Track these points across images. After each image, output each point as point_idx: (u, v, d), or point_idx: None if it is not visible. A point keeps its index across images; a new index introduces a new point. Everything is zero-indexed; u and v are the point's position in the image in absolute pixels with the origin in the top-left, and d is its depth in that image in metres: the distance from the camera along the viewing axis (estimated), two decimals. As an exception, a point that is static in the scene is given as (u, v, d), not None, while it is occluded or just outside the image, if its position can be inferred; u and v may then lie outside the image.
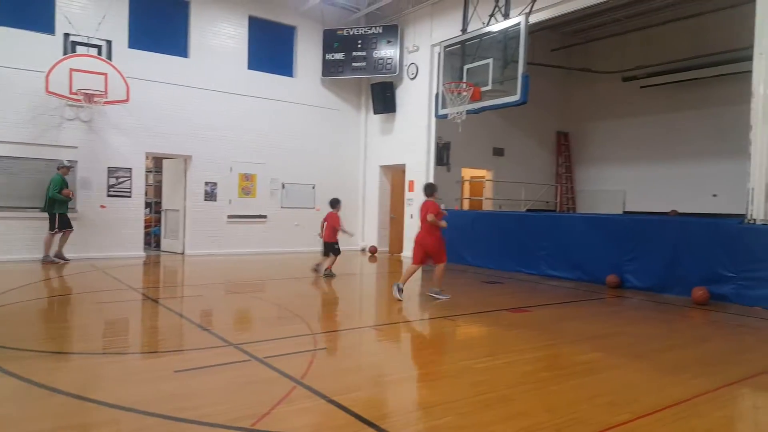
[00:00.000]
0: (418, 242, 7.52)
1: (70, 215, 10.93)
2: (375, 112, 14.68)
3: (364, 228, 15.20)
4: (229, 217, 13.24)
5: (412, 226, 13.34)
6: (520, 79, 10.09)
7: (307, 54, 14.37)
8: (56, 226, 10.62)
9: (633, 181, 15.60)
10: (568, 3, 10.38)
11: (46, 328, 5.91)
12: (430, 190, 7.73)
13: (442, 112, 12.29)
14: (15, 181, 10.76)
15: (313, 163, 14.40)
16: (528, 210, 14.62)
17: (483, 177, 15.51)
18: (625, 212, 15.28)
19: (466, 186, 15.41)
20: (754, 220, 7.66)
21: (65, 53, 10.89)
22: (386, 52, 14.04)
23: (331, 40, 14.36)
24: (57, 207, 10.58)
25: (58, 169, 10.69)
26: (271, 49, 13.98)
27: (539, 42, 14.48)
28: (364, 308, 7.94)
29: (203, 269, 11.03)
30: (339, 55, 14.35)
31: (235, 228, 13.32)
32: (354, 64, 14.30)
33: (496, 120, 14.39)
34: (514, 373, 4.39)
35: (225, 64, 13.13)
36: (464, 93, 11.40)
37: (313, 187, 14.43)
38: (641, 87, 15.11)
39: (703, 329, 6.49)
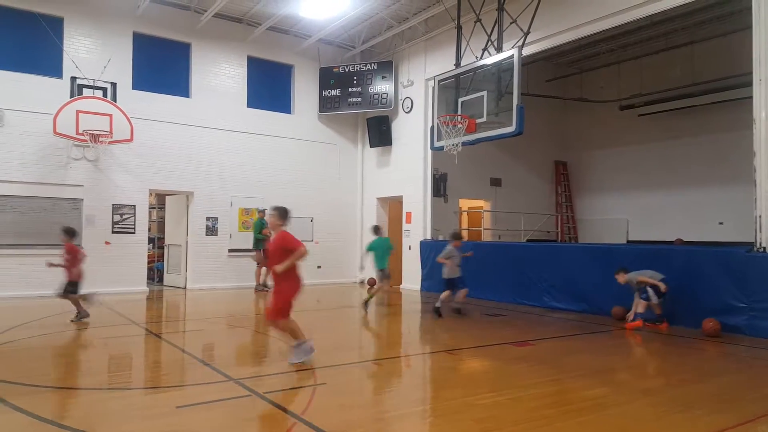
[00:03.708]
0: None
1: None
2: (371, 146, 15.00)
3: (362, 260, 15.30)
4: (230, 251, 13.42)
5: (410, 258, 13.52)
6: (515, 111, 10.16)
7: (304, 91, 14.77)
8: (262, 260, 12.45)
9: (635, 210, 15.56)
10: (559, 35, 10.65)
11: (53, 364, 6.02)
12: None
13: (437, 144, 12.49)
14: (22, 219, 10.97)
15: (312, 196, 14.64)
16: (528, 240, 14.74)
17: (481, 207, 15.71)
18: (629, 242, 15.17)
19: (464, 217, 15.59)
20: (764, 248, 7.41)
21: (72, 96, 11.27)
22: (381, 87, 14.43)
23: (328, 77, 14.79)
24: (261, 245, 12.40)
25: (258, 213, 12.90)
26: (269, 87, 14.39)
27: (534, 73, 14.89)
28: (364, 342, 8.01)
29: (205, 303, 11.14)
30: (335, 92, 14.75)
31: (236, 262, 13.47)
32: (350, 99, 14.69)
33: (493, 151, 14.67)
34: (519, 409, 4.31)
35: (225, 102, 13.53)
36: (459, 125, 11.66)
37: (311, 220, 14.63)
38: (639, 115, 15.31)
39: (716, 363, 6.31)
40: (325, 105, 14.85)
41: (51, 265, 8.07)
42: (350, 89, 14.66)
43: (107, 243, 11.84)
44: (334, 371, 5.57)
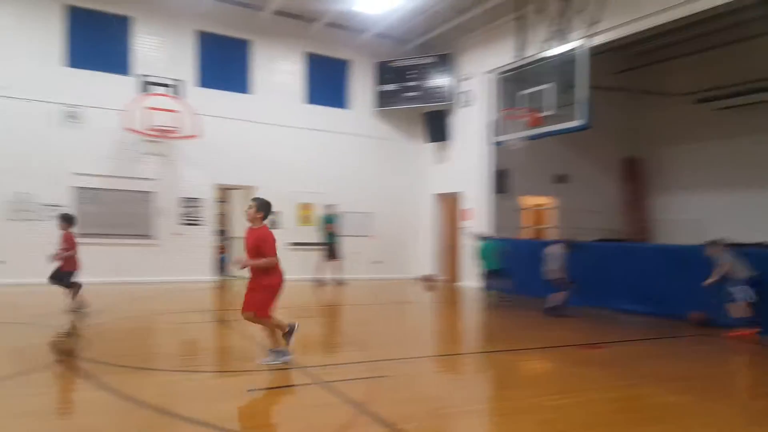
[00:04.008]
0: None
1: (145, 242, 11.92)
2: (429, 141, 14.86)
3: (419, 256, 15.25)
4: (290, 244, 13.65)
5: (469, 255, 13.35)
6: (581, 104, 9.88)
7: (361, 86, 14.81)
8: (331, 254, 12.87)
9: (714, 210, 14.25)
10: (630, 25, 9.98)
11: (132, 346, 6.27)
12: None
13: (499, 139, 12.28)
14: (104, 211, 11.55)
15: (369, 191, 14.66)
16: (597, 240, 14.09)
17: (545, 205, 15.25)
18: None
19: (527, 214, 15.18)
20: None
21: (141, 93, 11.71)
22: (439, 80, 14.28)
23: (384, 72, 14.76)
24: (331, 239, 12.88)
25: (325, 208, 13.11)
26: (326, 83, 14.50)
27: (601, 64, 14.16)
28: (425, 338, 7.90)
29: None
30: (392, 86, 14.70)
31: (296, 255, 13.68)
32: (407, 94, 14.60)
33: (557, 146, 14.10)
34: (585, 413, 4.14)
35: (284, 98, 13.76)
36: (522, 119, 11.37)
37: (369, 216, 14.66)
38: (718, 109, 14.35)
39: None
40: (382, 100, 14.85)
41: (53, 257, 7.64)
42: (407, 83, 14.58)
43: (177, 234, 12.30)
44: (395, 365, 5.56)
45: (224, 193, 14.69)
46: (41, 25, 11.27)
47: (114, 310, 8.28)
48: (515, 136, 11.59)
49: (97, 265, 11.21)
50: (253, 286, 5.21)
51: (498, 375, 5.66)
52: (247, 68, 13.48)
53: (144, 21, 12.25)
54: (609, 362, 5.91)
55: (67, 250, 7.67)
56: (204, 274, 12.63)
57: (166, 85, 11.98)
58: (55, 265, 7.65)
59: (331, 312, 9.62)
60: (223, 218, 14.88)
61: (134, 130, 11.44)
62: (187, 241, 12.39)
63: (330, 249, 12.87)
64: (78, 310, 7.65)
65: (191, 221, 12.54)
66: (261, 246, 5.05)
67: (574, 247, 9.05)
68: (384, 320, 8.68)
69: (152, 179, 12.10)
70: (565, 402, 4.38)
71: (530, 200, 15.08)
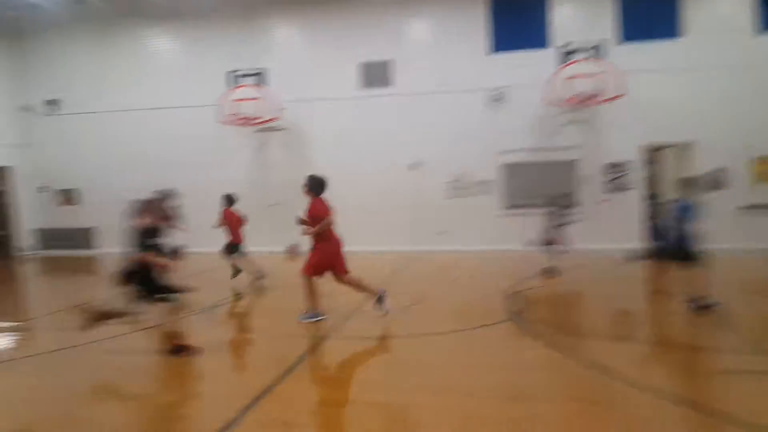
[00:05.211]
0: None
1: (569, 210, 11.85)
2: None
3: None
4: (741, 207, 11.25)
5: None
6: None
7: None
8: None
9: None
10: None
11: (568, 312, 6.37)
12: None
13: None
14: (529, 183, 12.18)
15: None
16: None
17: None
18: None
19: None
20: None
21: (561, 64, 11.71)
22: None
23: None
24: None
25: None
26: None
27: None
28: None
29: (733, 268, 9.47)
30: None
31: (751, 221, 11.21)
32: None
33: None
34: None
35: (726, 33, 11.36)
36: None
37: None
38: None
39: None
40: None
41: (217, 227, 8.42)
42: None
43: (604, 201, 11.93)
44: None
45: (654, 153, 13.33)
46: (469, 20, 12.58)
47: (536, 279, 8.63)
48: None
49: (526, 234, 11.99)
50: (311, 249, 5.95)
51: None
52: (676, 7, 11.70)
53: (559, -11, 12.18)
54: None
55: (231, 226, 8.32)
56: (632, 242, 11.75)
57: (586, 50, 11.60)
58: (225, 241, 8.43)
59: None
60: (653, 181, 13.54)
61: (554, 103, 11.58)
62: (613, 207, 11.86)
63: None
64: (257, 279, 8.35)
65: (617, 187, 11.90)
66: (315, 212, 5.82)
67: None
68: None
69: (574, 147, 12.05)
70: None
71: None
